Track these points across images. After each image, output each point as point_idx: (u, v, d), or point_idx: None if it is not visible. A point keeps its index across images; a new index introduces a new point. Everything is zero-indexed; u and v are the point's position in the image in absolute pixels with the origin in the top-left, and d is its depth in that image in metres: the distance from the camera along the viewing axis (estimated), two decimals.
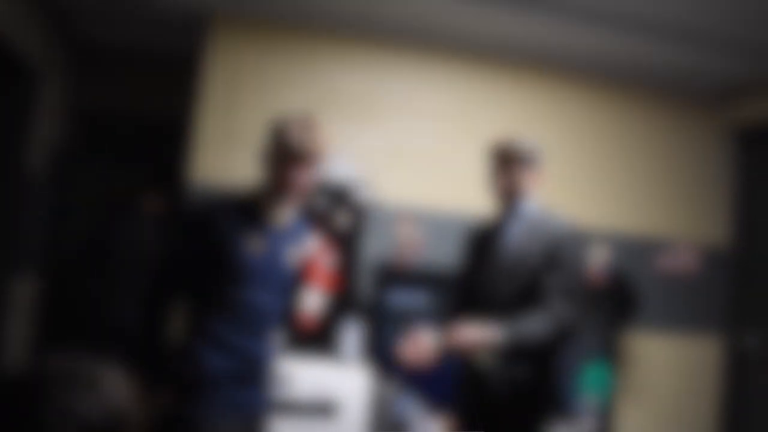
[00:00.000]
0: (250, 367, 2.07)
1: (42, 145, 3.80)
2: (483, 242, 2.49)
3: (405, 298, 3.50)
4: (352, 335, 3.24)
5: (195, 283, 2.09)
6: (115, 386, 0.91)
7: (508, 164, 2.37)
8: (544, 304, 2.26)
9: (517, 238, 2.38)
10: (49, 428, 0.83)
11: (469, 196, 3.63)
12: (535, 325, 2.21)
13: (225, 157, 3.54)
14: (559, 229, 2.36)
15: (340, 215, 3.28)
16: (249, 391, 2.08)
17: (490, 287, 2.39)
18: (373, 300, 3.52)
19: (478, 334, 2.18)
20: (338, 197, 3.29)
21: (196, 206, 2.13)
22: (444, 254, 3.50)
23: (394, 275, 3.55)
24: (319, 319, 3.21)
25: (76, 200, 4.59)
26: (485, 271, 2.42)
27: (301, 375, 2.95)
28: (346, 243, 3.27)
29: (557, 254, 2.30)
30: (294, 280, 2.18)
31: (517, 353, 2.23)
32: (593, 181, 4.13)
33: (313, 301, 3.15)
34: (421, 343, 2.27)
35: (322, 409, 3.01)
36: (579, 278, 2.38)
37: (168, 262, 2.16)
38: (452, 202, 3.81)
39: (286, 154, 1.99)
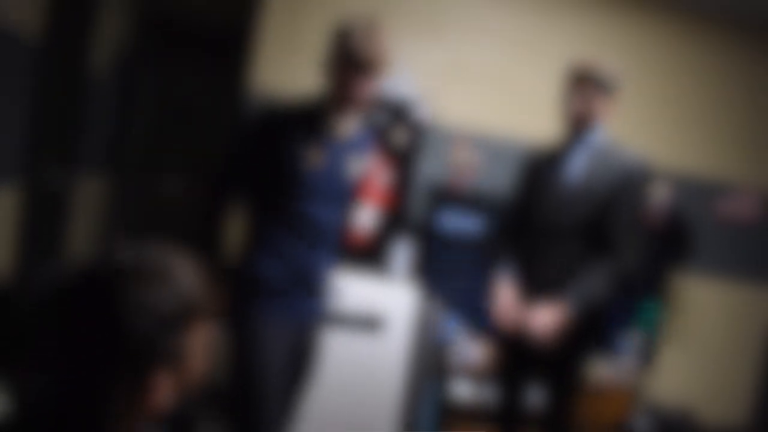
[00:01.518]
0: (307, 277, 2.09)
1: (107, 47, 3.83)
2: (544, 169, 2.40)
3: (457, 222, 3.48)
4: (402, 254, 3.27)
5: (254, 193, 2.10)
6: (185, 277, 0.93)
7: (585, 87, 2.27)
8: (613, 250, 2.21)
9: (583, 167, 2.29)
10: (125, 320, 0.86)
11: (531, 122, 3.53)
12: (601, 284, 2.19)
13: (287, 64, 3.51)
14: (629, 164, 2.27)
15: (398, 132, 3.23)
16: (304, 300, 2.11)
17: (551, 217, 2.31)
18: (425, 221, 3.52)
19: (552, 321, 2.15)
20: (397, 114, 3.23)
21: (257, 114, 2.11)
22: (500, 180, 3.44)
23: (448, 197, 3.52)
24: (371, 235, 3.25)
25: (139, 103, 4.68)
26: (545, 199, 2.35)
27: (350, 289, 3.00)
28: (401, 161, 3.24)
29: (627, 190, 2.23)
30: (352, 194, 2.17)
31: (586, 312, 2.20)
32: (660, 115, 3.95)
33: (366, 217, 3.18)
34: (506, 305, 2.29)
35: (368, 323, 3.08)
36: (642, 217, 2.30)
37: (228, 167, 2.16)
38: (512, 126, 3.71)
39: (349, 62, 1.93)
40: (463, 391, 3.43)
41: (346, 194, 2.14)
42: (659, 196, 3.80)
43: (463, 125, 3.69)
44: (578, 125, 2.31)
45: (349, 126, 2.08)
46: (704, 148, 4.00)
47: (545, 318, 2.18)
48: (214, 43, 4.57)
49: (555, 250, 2.30)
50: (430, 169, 3.60)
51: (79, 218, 3.73)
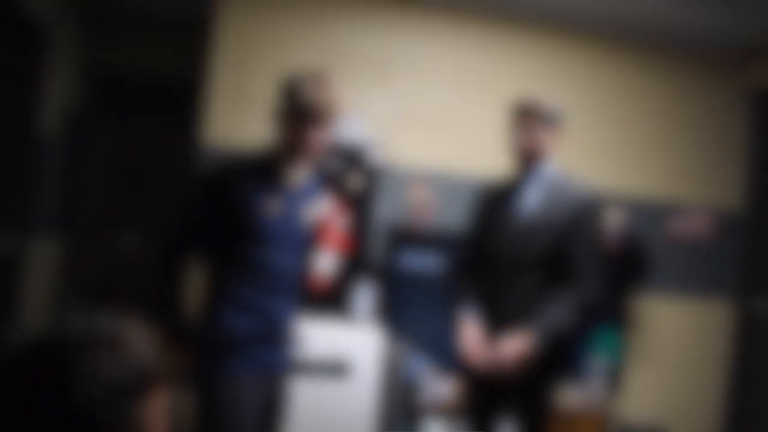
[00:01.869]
0: (272, 326, 2.08)
1: (55, 107, 3.80)
2: (497, 204, 2.44)
3: (417, 261, 3.52)
4: (364, 297, 3.28)
5: (213, 245, 2.08)
6: (138, 345, 0.90)
7: (529, 122, 2.32)
8: (574, 278, 2.25)
9: (536, 201, 2.33)
10: (78, 392, 0.83)
11: (483, 159, 3.61)
12: (565, 312, 2.22)
13: (239, 117, 3.54)
14: (582, 194, 2.33)
15: (353, 177, 3.28)
16: (270, 350, 2.09)
17: (509, 251, 2.34)
18: (385, 262, 3.55)
19: (518, 349, 2.18)
20: (351, 159, 3.28)
21: (210, 167, 2.11)
22: (457, 217, 3.50)
23: (407, 238, 3.56)
24: (332, 280, 3.24)
25: (91, 161, 4.63)
26: (500, 234, 2.38)
27: (314, 335, 2.99)
28: (358, 205, 3.28)
29: (582, 219, 2.27)
30: (310, 240, 2.19)
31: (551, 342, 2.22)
32: (608, 143, 4.09)
33: (325, 262, 3.18)
34: (473, 343, 2.30)
35: (334, 369, 3.07)
36: (599, 242, 2.38)
37: (183, 222, 2.15)
38: (466, 164, 3.79)
39: (298, 113, 1.96)
40: (435, 430, 3.42)
41: (303, 241, 2.15)
42: (613, 221, 3.90)
43: (417, 166, 3.76)
44: (527, 159, 2.36)
45: (301, 174, 2.11)
46: (652, 171, 4.15)
47: (511, 347, 2.20)
48: (164, 99, 4.57)
49: (516, 284, 2.33)
50: (387, 210, 3.64)
51: (32, 282, 3.65)
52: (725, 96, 4.22)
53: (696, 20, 3.66)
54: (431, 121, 3.81)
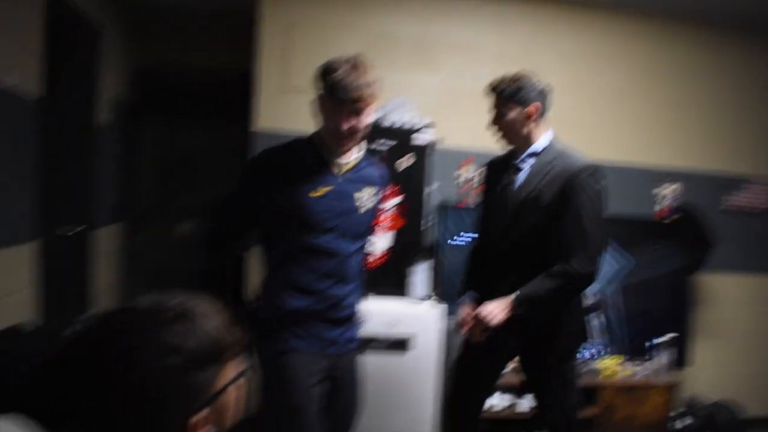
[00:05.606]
0: (330, 305, 2.09)
1: (109, 102, 3.91)
2: (495, 184, 2.43)
3: (467, 238, 3.52)
4: (418, 274, 3.30)
5: (264, 228, 2.10)
6: (211, 318, 0.92)
7: (495, 101, 2.33)
8: (560, 258, 2.17)
9: (525, 179, 2.30)
10: (155, 362, 0.84)
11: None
12: (540, 284, 2.17)
13: (286, 105, 3.58)
14: (572, 165, 2.24)
15: (402, 158, 3.29)
16: (332, 328, 2.10)
17: (501, 230, 2.33)
18: (437, 240, 3.56)
19: (498, 312, 2.18)
20: (399, 140, 3.29)
21: (260, 155, 2.13)
22: None
23: (458, 215, 3.56)
24: (387, 259, 3.28)
25: (144, 153, 4.77)
26: (494, 215, 2.39)
27: (375, 313, 3.03)
28: (409, 185, 3.29)
29: (569, 194, 2.18)
30: (366, 222, 2.19)
31: (531, 310, 2.19)
32: (667, 122, 4.03)
33: (380, 242, 3.22)
34: (468, 320, 2.31)
35: (395, 345, 3.11)
36: (599, 214, 2.20)
37: (229, 207, 2.14)
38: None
39: (337, 99, 1.95)
40: (494, 399, 3.45)
41: (359, 223, 2.14)
42: (669, 194, 3.83)
43: (465, 146, 3.75)
44: (510, 139, 2.35)
45: (350, 158, 2.11)
46: (711, 147, 4.09)
47: (493, 309, 2.19)
48: (213, 90, 4.65)
49: (511, 266, 2.30)
50: (438, 190, 3.65)
51: (97, 268, 3.78)
52: None
53: None
54: (477, 101, 3.77)
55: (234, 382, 0.94)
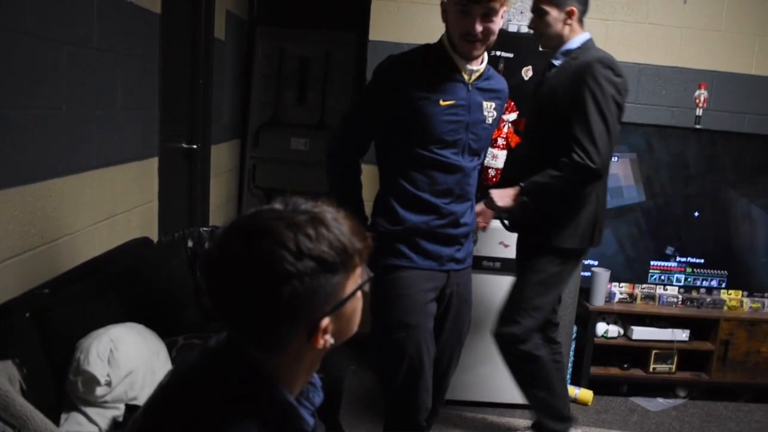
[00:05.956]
0: (447, 222, 2.05)
1: (225, 17, 3.94)
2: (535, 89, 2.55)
3: None
4: None
5: (385, 140, 2.06)
6: (340, 224, 0.90)
7: (535, 5, 2.38)
8: (573, 144, 2.20)
9: (550, 80, 2.37)
10: (288, 266, 0.84)
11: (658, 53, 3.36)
12: (545, 175, 2.23)
13: (401, 14, 3.48)
14: (587, 59, 2.25)
15: (523, 70, 3.13)
16: (446, 245, 2.07)
17: (528, 131, 2.56)
18: None
19: (504, 195, 2.30)
20: (520, 50, 3.11)
21: (387, 62, 2.06)
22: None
23: None
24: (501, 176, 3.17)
25: (262, 67, 4.82)
26: (529, 115, 2.61)
27: (487, 232, 2.96)
28: (527, 97, 3.13)
29: (580, 85, 2.20)
30: (488, 135, 2.12)
31: (537, 200, 2.30)
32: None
33: (500, 158, 3.11)
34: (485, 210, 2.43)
35: (506, 266, 3.04)
36: (607, 107, 2.20)
37: (353, 117, 2.11)
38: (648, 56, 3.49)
39: (465, 3, 1.87)
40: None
41: (484, 136, 2.08)
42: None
43: None
44: (547, 41, 2.40)
45: (475, 66, 2.02)
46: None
47: (501, 197, 2.32)
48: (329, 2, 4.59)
49: (534, 165, 2.32)
50: None
51: (215, 182, 3.93)
52: None
53: None
54: (608, 10, 3.52)
55: (358, 290, 0.94)
